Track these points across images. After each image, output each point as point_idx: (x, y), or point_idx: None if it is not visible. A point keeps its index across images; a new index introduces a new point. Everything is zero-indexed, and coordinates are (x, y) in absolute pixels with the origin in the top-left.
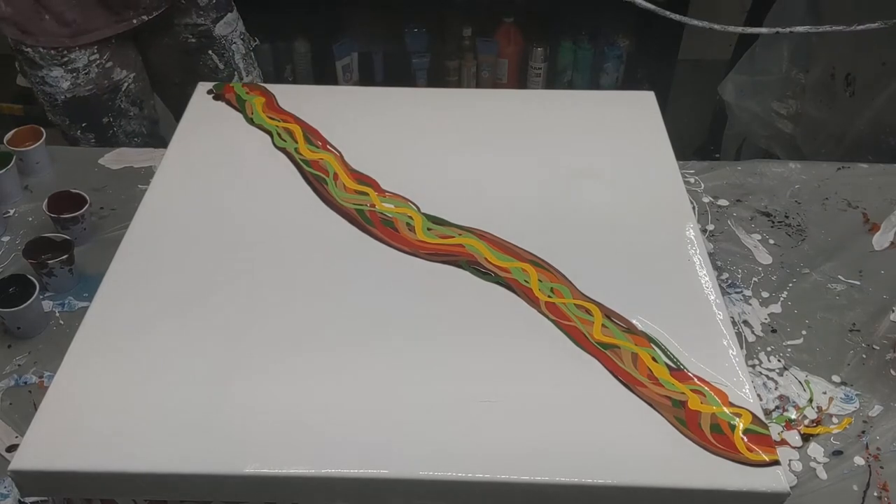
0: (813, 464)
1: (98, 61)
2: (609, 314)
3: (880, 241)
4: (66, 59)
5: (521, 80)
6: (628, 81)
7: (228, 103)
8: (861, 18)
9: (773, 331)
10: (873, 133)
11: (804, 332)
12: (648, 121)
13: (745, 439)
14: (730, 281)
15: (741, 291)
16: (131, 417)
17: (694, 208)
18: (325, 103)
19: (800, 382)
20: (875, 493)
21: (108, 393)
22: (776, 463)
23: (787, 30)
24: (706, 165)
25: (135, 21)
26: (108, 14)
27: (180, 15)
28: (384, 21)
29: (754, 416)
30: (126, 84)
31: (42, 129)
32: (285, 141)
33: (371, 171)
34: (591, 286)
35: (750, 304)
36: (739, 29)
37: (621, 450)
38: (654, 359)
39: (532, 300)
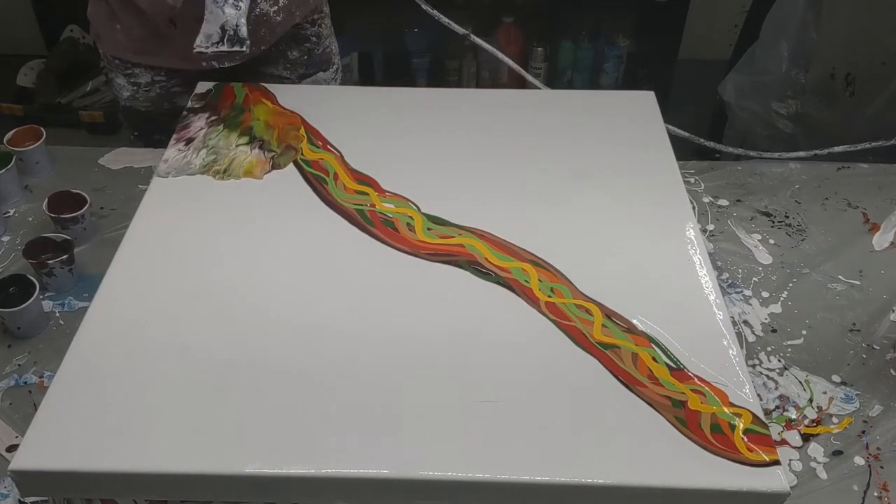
0: (813, 464)
1: (163, 83)
2: (609, 314)
3: (880, 241)
4: (129, 71)
5: (521, 80)
6: (628, 81)
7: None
8: (860, 16)
9: (773, 331)
10: (873, 133)
11: (804, 332)
12: (648, 121)
13: (746, 439)
14: (730, 281)
15: (741, 291)
16: (131, 417)
17: (694, 208)
18: (325, 103)
19: (800, 382)
20: (875, 493)
21: (108, 393)
22: (776, 463)
23: (826, 150)
24: (706, 165)
25: (204, 64)
26: (174, 49)
27: (267, 64)
28: (384, 21)
29: (754, 415)
30: None
31: (42, 129)
32: None
33: (371, 171)
34: (591, 286)
35: (750, 304)
36: (776, 155)
37: (621, 450)
38: (654, 359)
39: (532, 300)
